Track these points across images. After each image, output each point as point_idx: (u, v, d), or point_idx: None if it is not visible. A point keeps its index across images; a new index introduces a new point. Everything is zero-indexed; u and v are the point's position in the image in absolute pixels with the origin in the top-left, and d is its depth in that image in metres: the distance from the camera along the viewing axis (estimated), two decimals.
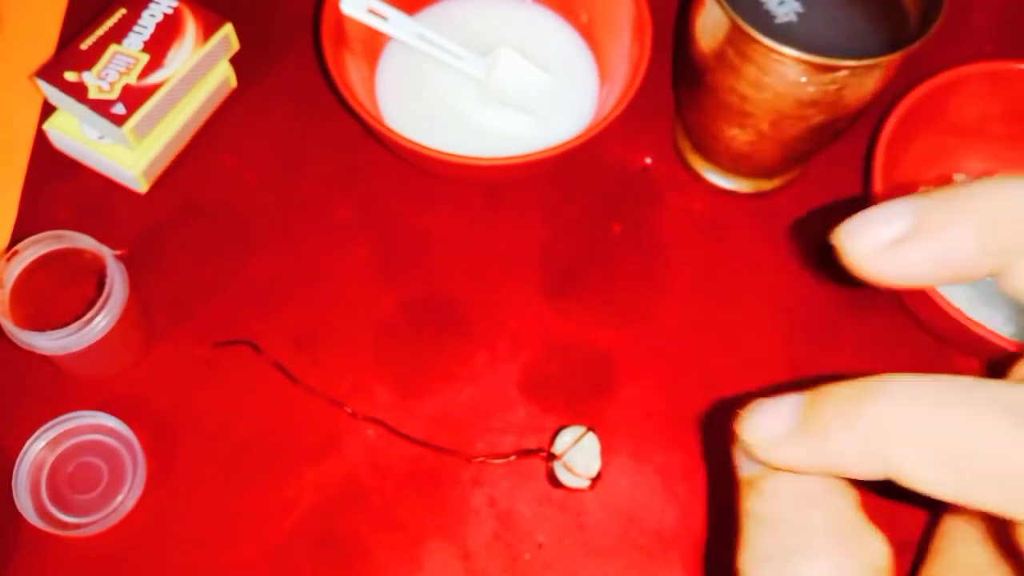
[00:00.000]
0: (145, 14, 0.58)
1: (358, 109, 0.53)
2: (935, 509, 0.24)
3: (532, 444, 0.53)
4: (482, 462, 0.52)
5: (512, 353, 0.56)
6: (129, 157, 0.57)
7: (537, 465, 0.52)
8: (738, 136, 0.54)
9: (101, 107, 0.55)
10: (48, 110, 0.60)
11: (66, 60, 0.56)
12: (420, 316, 0.57)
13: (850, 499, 0.20)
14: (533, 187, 0.61)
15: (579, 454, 0.50)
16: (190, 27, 0.58)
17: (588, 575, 0.50)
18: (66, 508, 0.50)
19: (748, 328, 0.57)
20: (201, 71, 0.59)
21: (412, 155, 0.54)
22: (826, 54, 0.46)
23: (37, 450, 0.51)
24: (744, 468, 0.22)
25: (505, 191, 0.61)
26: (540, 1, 0.64)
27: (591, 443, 0.50)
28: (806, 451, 0.19)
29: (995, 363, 0.50)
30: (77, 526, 0.50)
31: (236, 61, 0.61)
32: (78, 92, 0.55)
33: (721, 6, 0.47)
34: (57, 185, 0.59)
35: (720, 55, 0.50)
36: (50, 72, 0.56)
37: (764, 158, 0.56)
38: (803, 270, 0.59)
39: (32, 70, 0.58)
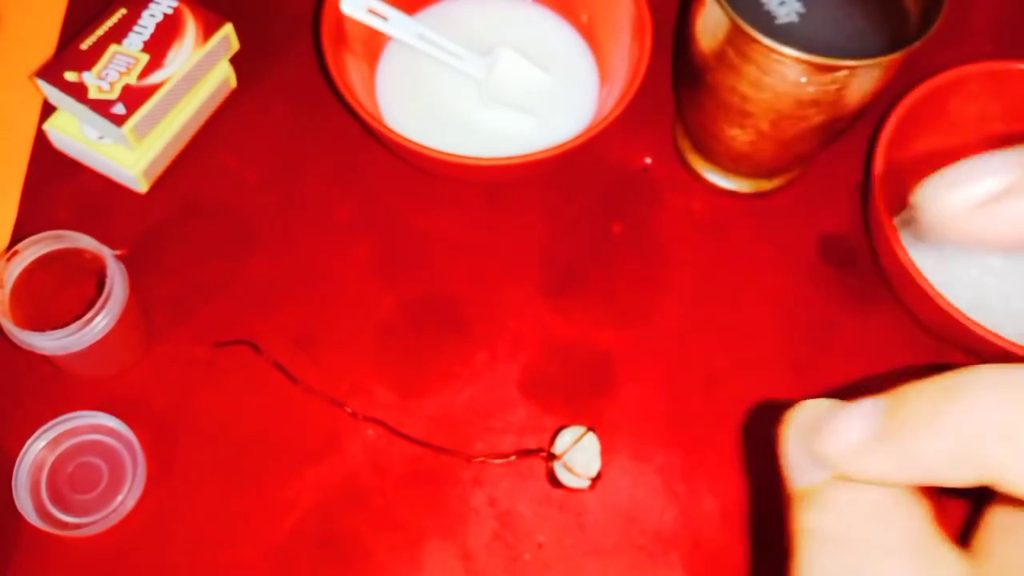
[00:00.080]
0: (145, 14, 0.58)
1: (358, 109, 0.53)
2: (977, 501, 0.21)
3: (532, 444, 0.53)
4: (482, 462, 0.52)
5: (512, 353, 0.56)
6: (129, 157, 0.57)
7: (537, 465, 0.52)
8: (738, 136, 0.54)
9: (101, 107, 0.55)
10: (48, 110, 0.60)
11: (66, 60, 0.56)
12: (420, 316, 0.57)
13: (923, 512, 0.19)
14: (533, 187, 0.61)
15: (579, 454, 0.50)
16: (190, 27, 0.58)
17: (588, 575, 0.50)
18: (66, 508, 0.50)
19: (748, 328, 0.57)
20: (201, 71, 0.59)
21: (412, 155, 0.54)
22: (827, 54, 0.46)
23: (37, 450, 0.51)
24: (797, 479, 0.20)
25: (505, 191, 0.61)
26: (540, 1, 0.64)
27: (591, 443, 0.50)
28: (891, 459, 0.17)
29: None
30: (77, 526, 0.50)
31: (236, 61, 0.61)
32: (78, 92, 0.55)
33: (721, 6, 0.47)
34: (57, 185, 0.59)
35: (720, 55, 0.50)
36: (50, 72, 0.56)
37: (764, 158, 0.56)
38: (803, 270, 0.59)
39: (32, 70, 0.58)
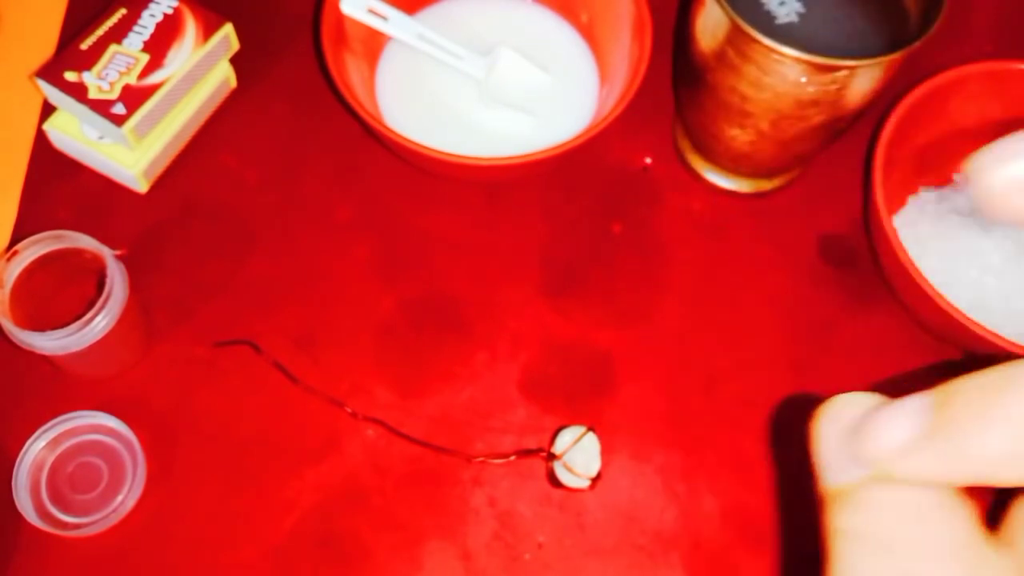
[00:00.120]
0: (145, 14, 0.58)
1: (358, 109, 0.53)
2: (1001, 494, 0.20)
3: (532, 444, 0.53)
4: (482, 462, 0.52)
5: (512, 353, 0.56)
6: (129, 157, 0.57)
7: (537, 465, 0.52)
8: (738, 136, 0.54)
9: (101, 107, 0.55)
10: (48, 110, 0.60)
11: (66, 60, 0.56)
12: (420, 316, 0.57)
13: (967, 513, 0.17)
14: (533, 187, 0.61)
15: (579, 454, 0.50)
16: (190, 27, 0.58)
17: (588, 575, 0.50)
18: (66, 508, 0.50)
19: (748, 328, 0.57)
20: (201, 71, 0.59)
21: (412, 155, 0.54)
22: (827, 54, 0.46)
23: (37, 450, 0.51)
24: (832, 478, 0.19)
25: (505, 191, 0.61)
26: (540, 1, 0.64)
27: (591, 443, 0.50)
28: (941, 458, 0.16)
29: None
30: (77, 526, 0.50)
31: (236, 61, 0.61)
32: (78, 92, 0.55)
33: (721, 6, 0.47)
34: (57, 185, 0.59)
35: (720, 55, 0.50)
36: (50, 72, 0.56)
37: (764, 158, 0.56)
38: (803, 270, 0.59)
39: (32, 70, 0.58)
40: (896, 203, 0.59)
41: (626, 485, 0.52)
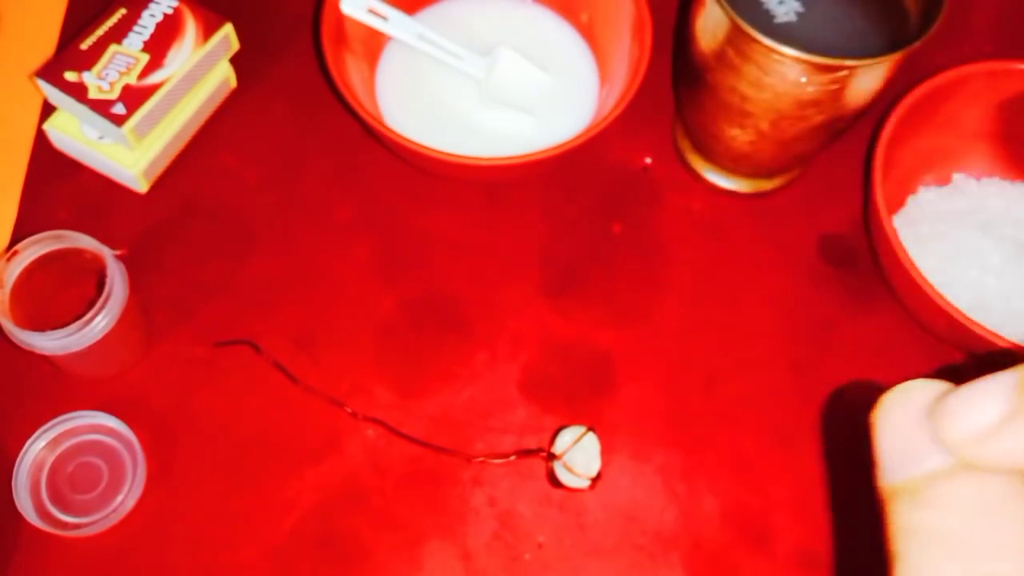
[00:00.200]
0: (145, 14, 0.58)
1: (358, 109, 0.53)
2: None
3: (532, 444, 0.53)
4: (482, 462, 0.52)
5: (512, 353, 0.56)
6: (129, 157, 0.57)
7: (537, 465, 0.52)
8: (738, 136, 0.54)
9: (101, 107, 0.55)
10: (48, 110, 0.60)
11: (66, 60, 0.56)
12: (420, 316, 0.57)
13: None
14: (533, 187, 0.61)
15: (579, 454, 0.50)
16: (190, 27, 0.58)
17: (588, 575, 0.50)
18: (66, 508, 0.50)
19: (748, 328, 0.57)
20: (201, 71, 0.59)
21: (412, 155, 0.54)
22: (826, 54, 0.46)
23: (37, 450, 0.51)
24: (899, 471, 0.17)
25: (505, 191, 0.61)
26: (540, 1, 0.64)
27: (591, 443, 0.50)
28: None
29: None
30: (77, 526, 0.50)
31: (236, 61, 0.61)
32: (78, 92, 0.55)
33: (721, 6, 0.47)
34: (57, 185, 0.59)
35: (720, 55, 0.50)
36: (50, 72, 0.56)
37: (764, 158, 0.56)
38: (803, 270, 0.59)
39: (32, 70, 0.58)
40: (896, 203, 0.59)
41: (626, 485, 0.52)
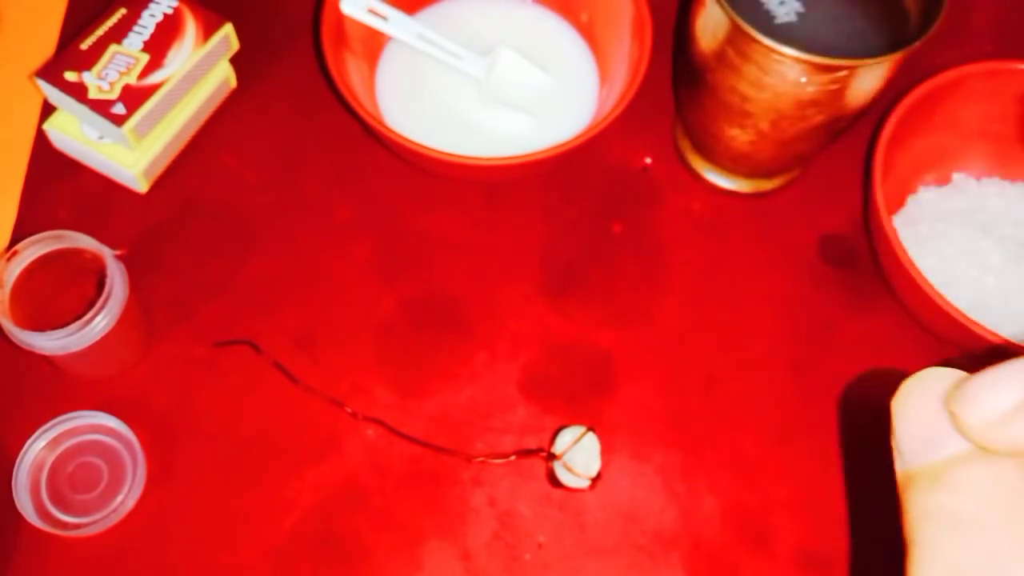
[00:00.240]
0: (145, 14, 0.58)
1: (358, 109, 0.53)
2: None
3: (532, 444, 0.53)
4: (482, 462, 0.52)
5: (512, 353, 0.56)
6: (129, 157, 0.57)
7: (537, 465, 0.52)
8: (738, 136, 0.54)
9: (101, 107, 0.55)
10: (48, 110, 0.60)
11: (66, 60, 0.56)
12: (420, 316, 0.57)
13: None
14: (533, 187, 0.61)
15: (579, 454, 0.50)
16: (190, 27, 0.58)
17: (588, 575, 0.50)
18: (66, 508, 0.50)
19: (748, 328, 0.57)
20: (201, 71, 0.59)
21: (412, 155, 0.54)
22: (826, 54, 0.46)
23: (37, 450, 0.51)
24: (918, 456, 0.18)
25: (505, 191, 0.61)
26: (540, 1, 0.64)
27: (591, 443, 0.50)
28: None
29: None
30: (77, 526, 0.50)
31: (236, 61, 0.61)
32: (78, 92, 0.55)
33: (721, 6, 0.47)
34: (57, 185, 0.59)
35: (720, 55, 0.50)
36: (50, 72, 0.56)
37: (764, 158, 0.56)
38: (803, 270, 0.59)
39: (32, 70, 0.58)
40: (896, 203, 0.59)
41: (626, 485, 0.52)
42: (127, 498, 0.50)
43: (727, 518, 0.52)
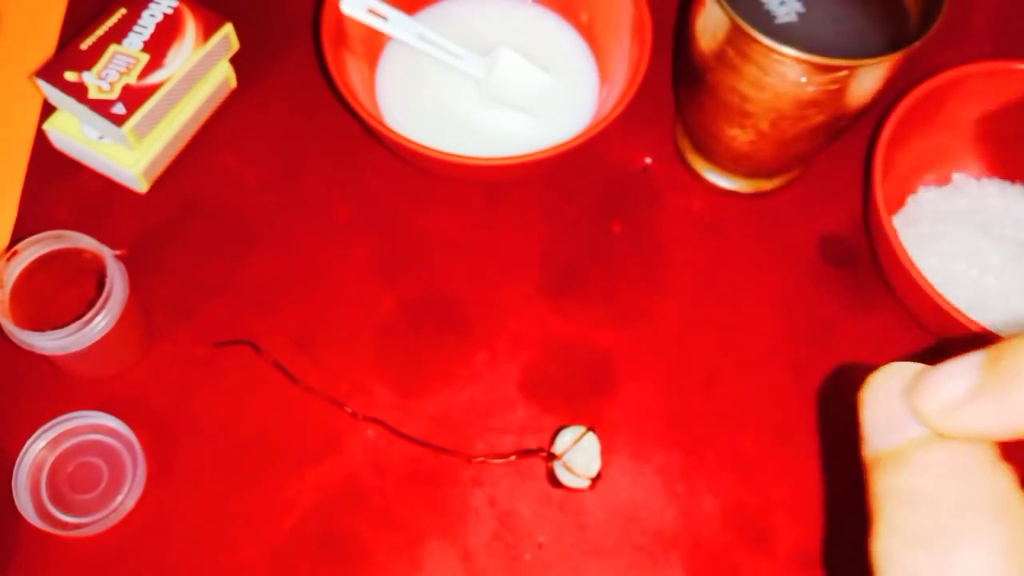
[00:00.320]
0: (145, 14, 0.58)
1: (358, 109, 0.53)
2: None
3: (532, 444, 0.53)
4: (482, 462, 0.52)
5: (512, 353, 0.56)
6: (129, 157, 0.57)
7: (537, 465, 0.52)
8: (738, 136, 0.54)
9: (101, 107, 0.55)
10: (48, 110, 0.60)
11: (66, 60, 0.56)
12: (420, 316, 0.57)
13: (1008, 475, 0.19)
14: (533, 187, 0.61)
15: (579, 454, 0.50)
16: (190, 27, 0.58)
17: (588, 575, 0.50)
18: (66, 508, 0.50)
19: (748, 328, 0.57)
20: (201, 71, 0.59)
21: (412, 155, 0.54)
22: (827, 54, 0.46)
23: (37, 450, 0.51)
24: (880, 442, 0.20)
25: (505, 191, 0.61)
26: (540, 1, 0.64)
27: (591, 443, 0.50)
28: (993, 410, 0.18)
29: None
30: (77, 526, 0.50)
31: (236, 61, 0.61)
32: (78, 92, 0.55)
33: (721, 6, 0.47)
34: (57, 185, 0.59)
35: (720, 55, 0.50)
36: (50, 72, 0.56)
37: (764, 158, 0.56)
38: (803, 270, 0.59)
39: (32, 70, 0.58)
40: (896, 203, 0.59)
41: (626, 485, 0.52)
42: (127, 498, 0.50)
43: (727, 518, 0.52)
